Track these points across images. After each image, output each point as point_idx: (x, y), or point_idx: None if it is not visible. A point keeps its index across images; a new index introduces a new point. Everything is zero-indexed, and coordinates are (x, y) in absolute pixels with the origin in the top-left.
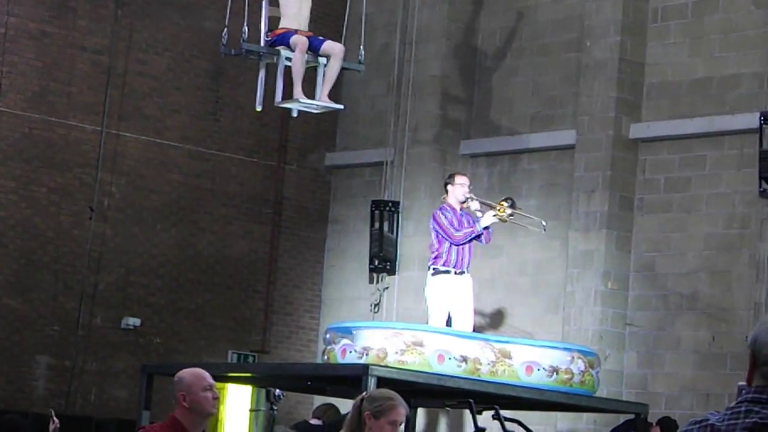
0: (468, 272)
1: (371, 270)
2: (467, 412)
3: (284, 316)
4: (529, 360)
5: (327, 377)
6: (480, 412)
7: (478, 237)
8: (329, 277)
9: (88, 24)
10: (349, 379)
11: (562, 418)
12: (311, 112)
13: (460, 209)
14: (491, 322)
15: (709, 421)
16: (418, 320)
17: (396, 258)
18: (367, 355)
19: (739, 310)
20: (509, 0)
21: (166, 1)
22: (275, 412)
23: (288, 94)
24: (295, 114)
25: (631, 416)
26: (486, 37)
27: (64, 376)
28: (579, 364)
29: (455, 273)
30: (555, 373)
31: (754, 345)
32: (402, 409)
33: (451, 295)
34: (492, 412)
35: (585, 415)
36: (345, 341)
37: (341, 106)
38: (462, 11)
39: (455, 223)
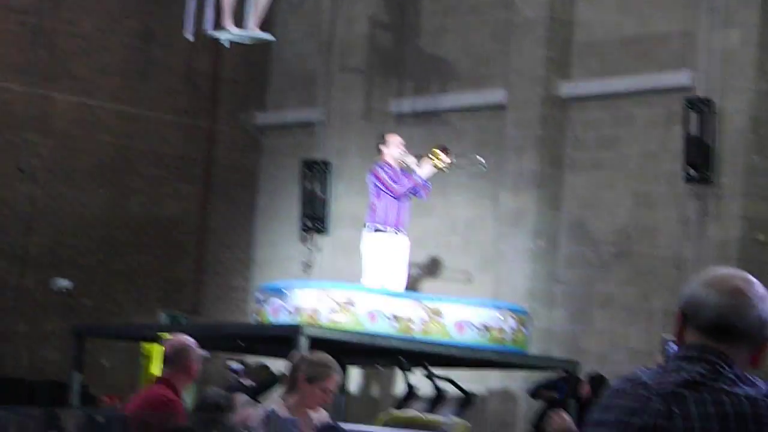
0: (404, 233)
1: (302, 230)
2: (399, 371)
3: (215, 276)
4: (461, 318)
5: (259, 337)
6: (411, 370)
7: (416, 191)
8: (260, 237)
9: None
10: (282, 339)
11: (493, 376)
12: (242, 43)
13: (399, 168)
14: (422, 280)
15: (642, 379)
16: (351, 280)
17: (327, 218)
18: (299, 314)
19: (667, 267)
20: None
21: None
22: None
23: (218, 24)
24: (227, 45)
25: (563, 373)
26: None
27: None
28: (510, 322)
29: (393, 231)
30: (487, 331)
31: (690, 302)
32: (337, 377)
33: (390, 252)
34: (424, 371)
35: (516, 373)
36: (277, 301)
37: (272, 37)
38: None
39: (394, 178)
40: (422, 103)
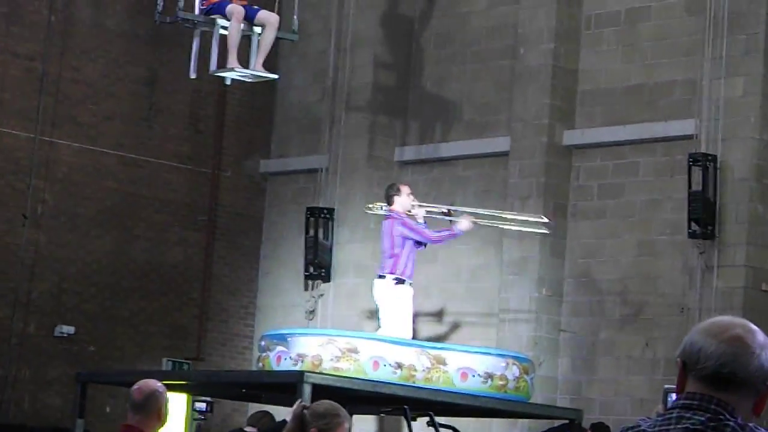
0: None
1: (306, 277)
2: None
3: (219, 323)
4: (464, 366)
5: (262, 384)
6: (415, 419)
7: (423, 243)
8: (264, 284)
9: (21, 30)
10: (285, 386)
11: (496, 424)
12: (245, 81)
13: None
14: (426, 328)
15: (641, 427)
16: (354, 327)
17: (331, 265)
18: (302, 362)
19: (671, 315)
20: (443, 7)
21: (99, 7)
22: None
23: (223, 64)
24: (228, 82)
25: (565, 422)
26: (420, 44)
27: None
28: (513, 370)
29: (408, 284)
30: (490, 380)
31: (690, 351)
32: (347, 424)
33: (407, 304)
34: (427, 419)
35: (519, 421)
36: (280, 348)
37: (275, 76)
38: (396, 19)
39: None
40: (426, 151)
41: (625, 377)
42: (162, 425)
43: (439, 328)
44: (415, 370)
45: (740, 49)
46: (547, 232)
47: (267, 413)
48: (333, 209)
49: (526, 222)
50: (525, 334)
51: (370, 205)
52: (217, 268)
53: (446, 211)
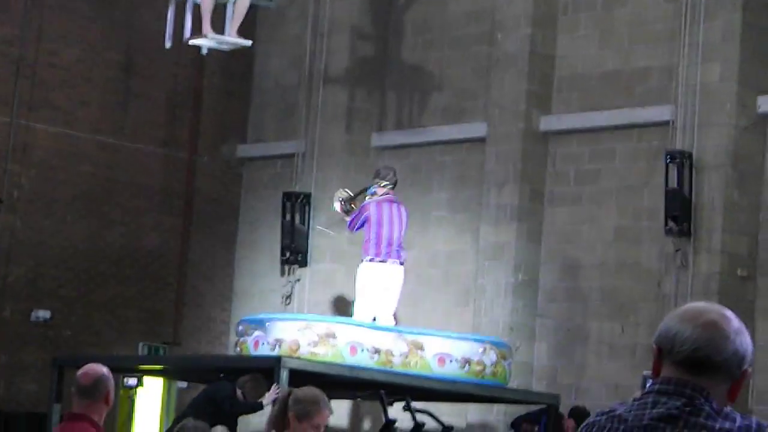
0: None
1: (282, 262)
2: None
3: (195, 308)
4: (442, 351)
5: (239, 369)
6: (391, 404)
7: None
8: (240, 269)
9: None
10: (262, 371)
11: (473, 410)
12: (221, 49)
13: None
14: (402, 313)
15: (617, 412)
16: (330, 312)
17: (307, 250)
18: (279, 347)
19: (647, 301)
20: None
21: None
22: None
23: (197, 33)
24: (204, 51)
25: (543, 406)
26: (397, 29)
27: None
28: (491, 356)
29: (369, 260)
30: (467, 365)
31: (666, 336)
32: (327, 412)
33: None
34: (403, 403)
35: (496, 406)
36: (258, 333)
37: (249, 42)
38: (374, 4)
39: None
40: (403, 136)
41: (601, 363)
42: (108, 409)
43: (415, 314)
44: (393, 355)
45: (717, 35)
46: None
47: (254, 377)
48: (309, 194)
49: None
50: (501, 319)
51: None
52: (193, 253)
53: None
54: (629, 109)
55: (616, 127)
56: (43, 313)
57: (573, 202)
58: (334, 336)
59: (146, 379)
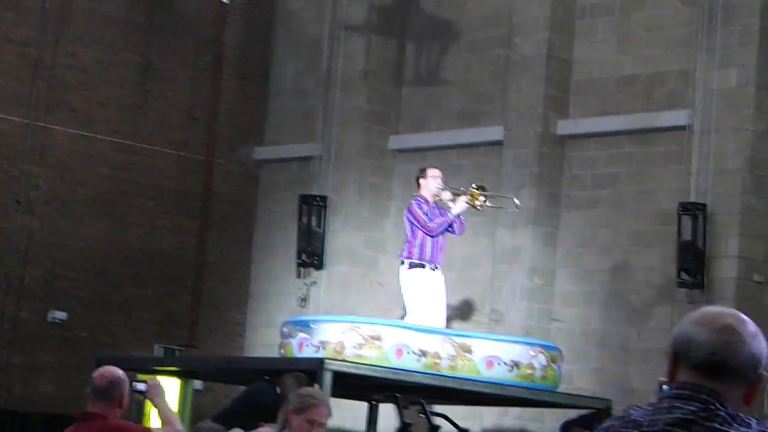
0: (440, 269)
1: (299, 264)
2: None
3: (212, 310)
4: (490, 354)
5: (282, 371)
6: (407, 407)
7: (451, 227)
8: (257, 271)
9: (16, 15)
10: (306, 373)
11: (488, 413)
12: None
13: (434, 202)
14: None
15: (632, 416)
16: (345, 315)
17: (323, 252)
18: (324, 348)
19: (663, 306)
20: None
21: None
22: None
23: None
24: (227, 1)
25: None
26: (415, 32)
27: None
28: (540, 359)
29: (430, 268)
30: (516, 368)
31: (681, 341)
32: (324, 410)
33: (431, 289)
34: (427, 407)
35: (511, 409)
36: (302, 335)
37: None
38: (391, 6)
39: (429, 214)
40: (420, 140)
41: (616, 367)
42: (122, 412)
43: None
44: (440, 358)
45: (734, 40)
46: (517, 210)
47: (296, 375)
48: (326, 197)
49: (499, 198)
50: (517, 323)
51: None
52: (210, 255)
53: (466, 192)
54: (646, 114)
55: (634, 132)
56: (60, 314)
57: (590, 206)
58: (379, 338)
59: (162, 380)
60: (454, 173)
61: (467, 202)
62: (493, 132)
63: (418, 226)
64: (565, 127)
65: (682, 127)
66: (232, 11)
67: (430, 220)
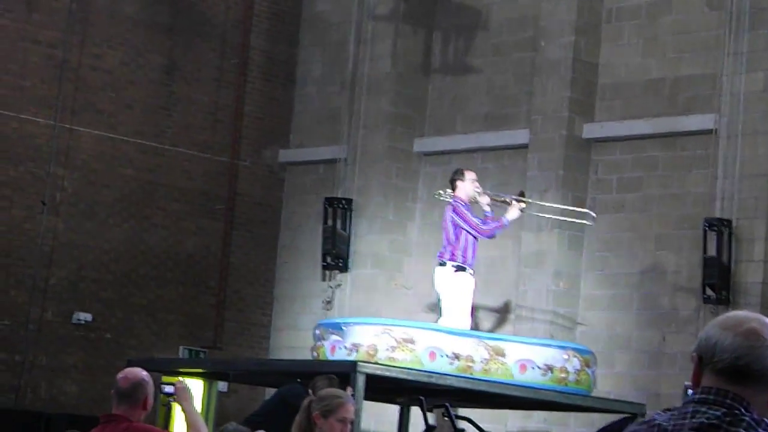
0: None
1: (323, 267)
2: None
3: (236, 312)
4: (524, 358)
5: (315, 374)
6: (431, 410)
7: (498, 232)
8: (281, 274)
9: (42, 17)
10: (338, 376)
11: (512, 416)
12: None
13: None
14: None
15: (656, 421)
16: (372, 317)
17: (348, 255)
18: (356, 351)
19: (689, 310)
20: None
21: None
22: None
23: None
24: None
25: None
26: (440, 35)
27: (14, 370)
28: (574, 363)
29: (470, 272)
30: (550, 372)
31: (706, 345)
32: (351, 406)
33: (470, 292)
34: (451, 410)
35: (535, 413)
36: (335, 337)
37: None
38: (417, 10)
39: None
40: (445, 143)
41: (642, 372)
42: (145, 414)
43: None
44: (473, 362)
45: (761, 44)
46: (591, 224)
47: (328, 377)
48: (351, 200)
49: (572, 212)
50: (541, 327)
51: (440, 191)
52: (234, 258)
53: (508, 200)
54: (672, 118)
55: (659, 135)
56: (84, 316)
57: (615, 209)
58: (412, 341)
59: (187, 381)
60: (479, 176)
61: (519, 210)
62: (519, 135)
63: (469, 228)
64: (590, 130)
65: (708, 131)
66: (257, 13)
67: (483, 222)
